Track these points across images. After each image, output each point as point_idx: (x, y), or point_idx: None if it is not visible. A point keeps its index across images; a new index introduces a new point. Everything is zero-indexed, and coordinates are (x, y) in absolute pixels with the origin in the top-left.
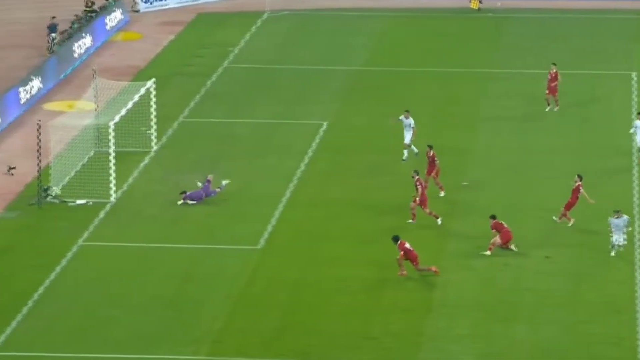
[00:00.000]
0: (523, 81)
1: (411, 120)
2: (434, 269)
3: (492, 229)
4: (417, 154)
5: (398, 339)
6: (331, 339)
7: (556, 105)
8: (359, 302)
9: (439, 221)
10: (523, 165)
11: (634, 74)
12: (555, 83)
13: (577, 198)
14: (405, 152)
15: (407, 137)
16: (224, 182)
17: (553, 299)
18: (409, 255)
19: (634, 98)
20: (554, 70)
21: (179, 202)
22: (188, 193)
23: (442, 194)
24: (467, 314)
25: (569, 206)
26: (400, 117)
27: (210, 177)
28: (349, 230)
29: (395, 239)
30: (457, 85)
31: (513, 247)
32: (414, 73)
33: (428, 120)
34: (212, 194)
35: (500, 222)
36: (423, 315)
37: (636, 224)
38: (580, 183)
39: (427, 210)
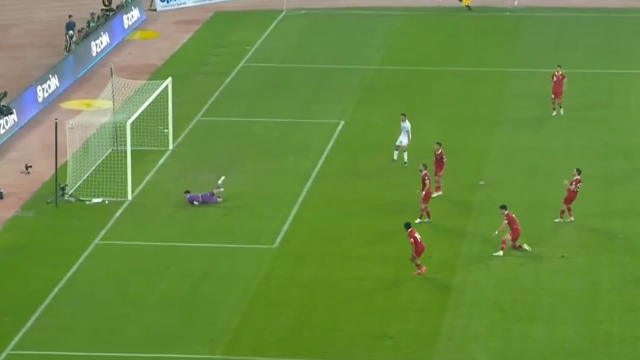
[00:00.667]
0: (541, 80)
1: (407, 124)
2: (423, 269)
3: (506, 220)
4: (395, 158)
5: (414, 338)
6: (347, 338)
7: (560, 108)
8: (375, 301)
9: (428, 220)
10: (540, 165)
11: None
12: (561, 85)
13: (576, 192)
14: (396, 153)
15: (404, 140)
16: (219, 194)
17: (570, 298)
18: (416, 246)
19: None
20: (560, 72)
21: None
22: (189, 195)
23: (438, 194)
24: (484, 313)
25: (568, 200)
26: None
27: (216, 191)
28: (364, 230)
29: (407, 226)
30: (474, 84)
31: (527, 247)
32: (431, 72)
33: (444, 120)
34: (211, 201)
35: (512, 214)
36: (439, 314)
37: None
38: (578, 177)
39: (424, 206)
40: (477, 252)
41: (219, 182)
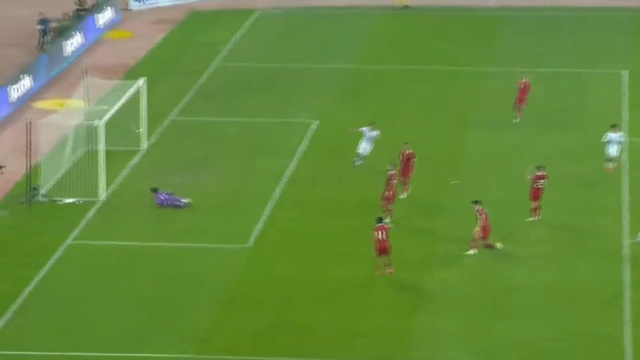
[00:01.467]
0: (517, 80)
1: (376, 132)
2: (389, 270)
3: (482, 215)
4: (358, 163)
5: (389, 336)
6: (322, 337)
7: (519, 117)
8: (349, 300)
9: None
10: (514, 165)
11: (626, 72)
12: (526, 93)
13: (540, 189)
14: (358, 160)
15: (367, 147)
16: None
17: (543, 296)
18: (377, 245)
19: (625, 96)
20: (525, 80)
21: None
22: (159, 199)
23: (403, 195)
24: (458, 311)
25: (534, 197)
26: (362, 129)
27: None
28: (339, 229)
29: (378, 220)
30: (450, 83)
31: (499, 246)
32: (407, 71)
33: (420, 119)
34: (176, 204)
35: (485, 211)
36: (415, 312)
37: (625, 222)
38: (539, 174)
39: (390, 207)
40: (451, 251)
41: (185, 201)
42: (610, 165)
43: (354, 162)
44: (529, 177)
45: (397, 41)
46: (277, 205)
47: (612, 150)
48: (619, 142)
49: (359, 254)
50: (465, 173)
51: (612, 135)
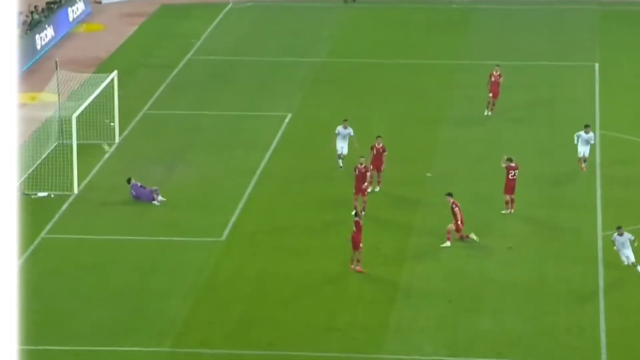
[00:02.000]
0: (488, 73)
1: (350, 130)
2: (358, 267)
3: (455, 207)
4: (340, 164)
5: (363, 330)
6: (296, 331)
7: (491, 110)
8: (323, 293)
9: (362, 214)
10: (488, 158)
11: (597, 65)
12: (498, 85)
13: (513, 180)
14: (340, 160)
15: (344, 147)
16: (159, 199)
17: (517, 289)
18: (352, 237)
19: (596, 89)
20: (498, 72)
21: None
22: (134, 191)
23: (377, 189)
24: (432, 305)
25: (509, 190)
26: (337, 129)
27: (157, 200)
28: (312, 222)
29: (356, 214)
30: (422, 76)
31: (474, 237)
32: (379, 65)
33: (392, 112)
34: (148, 199)
35: (458, 203)
36: (388, 306)
37: (598, 216)
38: (512, 164)
39: (365, 199)
40: (425, 244)
41: (159, 198)
42: (584, 165)
43: (338, 165)
44: (503, 165)
45: (369, 34)
46: (251, 198)
47: (585, 151)
48: (589, 143)
49: (333, 248)
50: (438, 166)
51: (584, 135)
